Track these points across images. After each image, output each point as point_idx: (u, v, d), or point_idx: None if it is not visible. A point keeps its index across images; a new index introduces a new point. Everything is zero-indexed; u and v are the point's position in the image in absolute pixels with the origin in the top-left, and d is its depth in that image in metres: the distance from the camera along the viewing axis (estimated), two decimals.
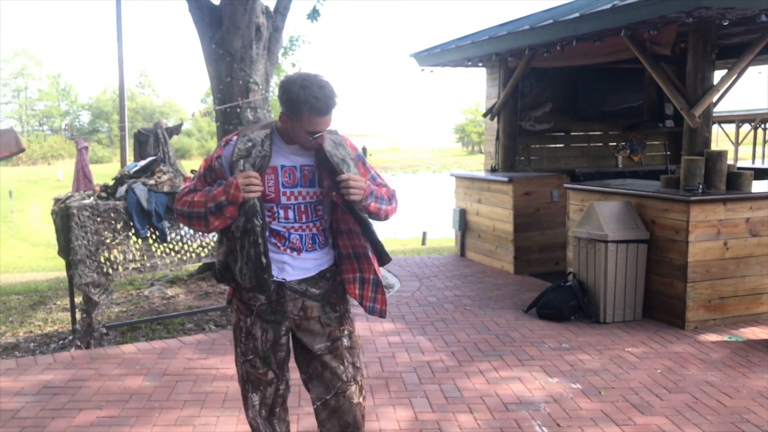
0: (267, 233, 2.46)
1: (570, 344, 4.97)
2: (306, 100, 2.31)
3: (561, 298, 5.63)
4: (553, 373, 4.39)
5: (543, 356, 4.71)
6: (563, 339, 5.09)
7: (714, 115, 6.12)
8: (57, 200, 5.27)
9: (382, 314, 2.60)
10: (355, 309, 6.00)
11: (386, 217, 2.56)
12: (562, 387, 4.15)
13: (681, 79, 5.85)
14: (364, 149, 11.99)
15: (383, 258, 2.55)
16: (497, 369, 4.47)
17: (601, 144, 8.89)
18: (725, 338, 5.08)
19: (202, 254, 5.48)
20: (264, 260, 2.40)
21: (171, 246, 5.30)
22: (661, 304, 5.50)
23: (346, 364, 2.57)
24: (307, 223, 2.50)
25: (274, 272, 2.48)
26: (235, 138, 2.48)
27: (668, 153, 8.73)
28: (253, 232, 2.38)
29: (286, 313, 2.55)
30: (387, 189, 2.59)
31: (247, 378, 2.64)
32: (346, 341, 2.58)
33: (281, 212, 2.47)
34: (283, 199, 2.46)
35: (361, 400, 2.62)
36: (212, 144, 53.33)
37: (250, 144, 2.43)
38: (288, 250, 2.50)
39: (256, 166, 2.39)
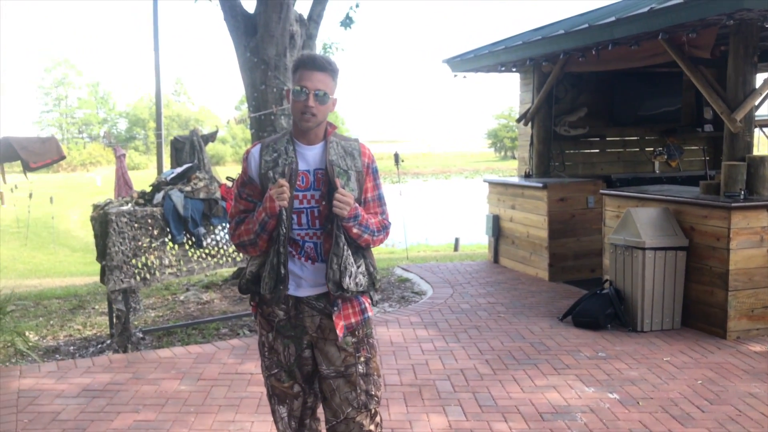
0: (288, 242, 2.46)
1: (607, 353, 4.88)
2: (297, 57, 2.44)
3: (597, 305, 5.54)
4: (589, 382, 4.32)
5: (579, 365, 4.63)
6: (599, 347, 5.01)
7: (755, 118, 5.97)
8: (96, 206, 5.37)
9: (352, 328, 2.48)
10: (385, 315, 5.97)
11: (366, 246, 2.48)
12: (598, 396, 4.08)
13: (721, 83, 5.72)
14: (396, 155, 11.99)
15: (330, 285, 2.39)
16: (532, 377, 4.41)
17: (637, 149, 8.74)
18: None
19: (238, 258, 5.54)
20: (282, 271, 2.40)
21: (207, 251, 5.37)
22: (701, 313, 5.37)
23: (359, 391, 2.48)
24: (321, 230, 2.42)
25: (291, 286, 2.46)
26: (254, 150, 2.49)
27: (707, 158, 8.54)
28: (277, 240, 2.39)
29: (305, 328, 2.49)
30: (380, 219, 2.51)
31: (273, 392, 2.58)
32: (361, 368, 2.48)
33: (294, 217, 2.42)
34: (296, 203, 2.41)
35: (372, 427, 2.52)
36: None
37: (275, 154, 2.45)
38: (302, 259, 2.45)
39: (286, 174, 2.40)
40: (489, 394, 4.12)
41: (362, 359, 2.49)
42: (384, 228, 2.52)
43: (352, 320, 2.47)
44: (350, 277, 2.40)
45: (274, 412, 2.62)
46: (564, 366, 4.62)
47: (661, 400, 4.02)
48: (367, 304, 2.52)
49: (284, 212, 2.38)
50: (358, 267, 2.46)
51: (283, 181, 2.34)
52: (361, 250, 2.49)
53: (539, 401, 4.02)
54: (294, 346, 2.51)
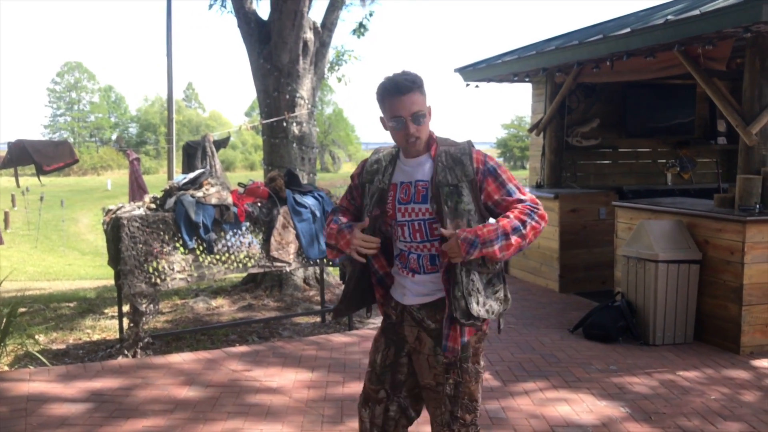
0: (395, 254, 2.50)
1: (618, 366, 4.84)
2: (379, 87, 2.35)
3: (609, 318, 5.50)
4: (601, 395, 4.27)
5: (590, 378, 4.59)
6: (611, 361, 4.96)
7: None
8: (108, 211, 5.39)
9: (452, 352, 2.36)
10: None
11: (520, 250, 2.32)
12: (610, 410, 4.04)
13: (736, 96, 5.69)
14: None
15: (458, 315, 2.30)
16: (543, 390, 4.37)
17: (649, 161, 8.69)
18: None
19: (249, 264, 5.52)
20: (345, 291, 2.55)
21: (218, 257, 5.36)
22: (714, 328, 5.31)
23: (443, 410, 2.42)
24: (423, 243, 2.39)
25: (398, 294, 2.48)
26: (368, 159, 2.55)
27: (720, 171, 8.48)
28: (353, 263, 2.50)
29: (405, 337, 2.48)
30: (519, 209, 2.32)
31: (363, 389, 2.59)
32: (449, 389, 2.40)
33: (399, 230, 2.43)
34: (399, 216, 2.41)
35: None
36: (256, 157, 54.12)
37: (375, 167, 2.48)
38: (405, 272, 2.44)
39: (374, 198, 2.42)
40: (500, 407, 4.08)
41: (451, 381, 2.40)
42: (532, 212, 2.32)
43: (453, 343, 2.36)
44: (478, 303, 2.30)
45: (359, 412, 2.60)
46: (575, 379, 4.58)
47: (673, 415, 3.97)
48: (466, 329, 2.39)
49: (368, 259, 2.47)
50: (496, 292, 2.39)
51: (373, 240, 2.38)
52: (501, 274, 2.42)
53: (551, 414, 3.98)
54: (395, 349, 2.51)
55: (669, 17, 5.39)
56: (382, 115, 2.41)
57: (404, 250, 2.45)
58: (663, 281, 5.28)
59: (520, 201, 2.37)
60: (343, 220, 2.50)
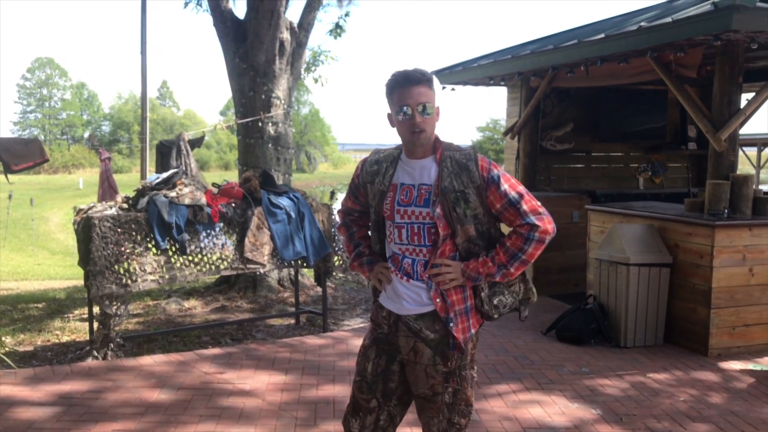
0: (387, 255, 2.49)
1: (590, 368, 4.89)
2: (389, 79, 2.37)
3: (581, 320, 5.55)
4: (573, 397, 4.31)
5: (563, 380, 4.63)
6: (583, 363, 5.01)
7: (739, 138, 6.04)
8: (79, 210, 5.30)
9: (459, 348, 2.38)
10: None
11: (523, 267, 2.38)
12: (582, 412, 4.08)
13: (706, 102, 5.79)
14: (332, 192, 11.83)
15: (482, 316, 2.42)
16: (516, 392, 4.40)
17: (622, 165, 8.81)
18: (750, 367, 4.97)
19: (222, 266, 5.47)
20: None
21: (190, 258, 5.31)
22: (684, 330, 5.40)
23: (441, 418, 2.42)
24: (420, 247, 2.37)
25: (388, 304, 2.46)
26: (366, 159, 2.53)
27: (690, 176, 8.63)
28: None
29: (399, 348, 2.44)
30: (514, 241, 2.33)
31: (352, 399, 2.55)
32: (447, 397, 2.40)
33: (396, 232, 2.41)
34: (397, 218, 2.38)
35: None
36: (231, 157, 53.69)
37: (374, 168, 2.47)
38: (399, 275, 2.42)
39: (376, 199, 2.43)
40: (473, 409, 4.09)
41: (450, 389, 2.40)
42: (529, 238, 2.32)
43: (462, 336, 2.38)
44: (484, 303, 2.39)
45: (345, 421, 2.55)
46: (548, 381, 4.62)
47: (643, 416, 4.03)
48: (471, 323, 2.41)
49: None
50: (510, 286, 2.44)
51: (386, 273, 2.44)
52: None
53: (523, 416, 4.01)
54: (386, 359, 2.47)
55: (642, 24, 5.47)
56: (389, 111, 2.40)
57: (398, 253, 2.42)
58: (634, 284, 5.35)
59: (522, 216, 2.34)
60: (362, 248, 2.61)
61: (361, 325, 6.21)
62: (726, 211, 5.29)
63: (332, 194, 10.28)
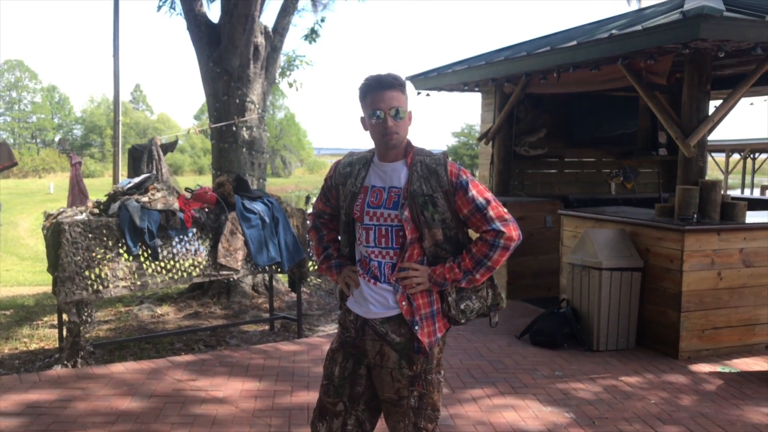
0: (356, 258, 2.49)
1: (563, 372, 4.93)
2: (362, 84, 2.40)
3: (554, 325, 5.60)
4: (546, 401, 4.34)
5: (536, 384, 4.66)
6: (556, 366, 5.06)
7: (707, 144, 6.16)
8: (48, 215, 5.21)
9: (424, 353, 2.39)
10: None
11: (492, 271, 2.42)
12: (555, 416, 4.11)
13: (675, 108, 5.89)
14: (307, 197, 11.80)
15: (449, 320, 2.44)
16: (490, 397, 4.42)
17: (594, 170, 8.92)
18: (718, 369, 5.06)
19: (194, 273, 5.42)
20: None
21: (162, 264, 5.24)
22: (655, 333, 5.48)
23: (407, 422, 2.42)
24: (387, 249, 2.39)
25: (355, 308, 2.47)
26: (340, 162, 2.54)
27: (661, 181, 8.77)
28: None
29: (366, 351, 2.45)
30: (480, 248, 2.36)
31: (318, 402, 2.54)
32: (413, 402, 2.40)
33: (364, 234, 2.42)
34: (366, 219, 2.41)
35: None
36: (205, 161, 53.23)
37: (347, 170, 2.49)
38: (367, 278, 2.43)
39: (347, 201, 2.44)
40: (447, 414, 4.10)
41: (415, 393, 2.40)
42: (494, 245, 2.36)
43: (427, 339, 2.38)
44: (451, 308, 2.40)
45: (312, 427, 2.54)
46: (522, 385, 4.64)
47: (615, 420, 4.07)
48: (438, 327, 2.41)
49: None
50: (478, 291, 2.46)
51: (354, 276, 2.46)
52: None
53: (498, 421, 4.02)
54: (354, 361, 2.48)
55: (614, 32, 5.55)
56: (362, 115, 2.42)
57: (366, 255, 2.44)
58: (606, 288, 5.42)
59: (488, 222, 2.37)
60: (331, 250, 2.61)
61: (336, 330, 6.19)
62: (695, 216, 5.38)
63: (307, 199, 10.23)
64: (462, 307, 2.43)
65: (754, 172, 26.40)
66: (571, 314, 5.63)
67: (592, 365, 5.10)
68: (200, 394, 4.37)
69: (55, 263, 4.94)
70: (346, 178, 2.48)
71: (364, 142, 2.44)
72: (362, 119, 2.44)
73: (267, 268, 5.82)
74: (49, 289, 8.86)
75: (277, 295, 7.45)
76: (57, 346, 5.45)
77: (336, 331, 2.69)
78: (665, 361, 5.20)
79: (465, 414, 4.11)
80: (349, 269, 2.51)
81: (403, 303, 2.38)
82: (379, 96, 2.34)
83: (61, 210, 5.27)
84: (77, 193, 8.01)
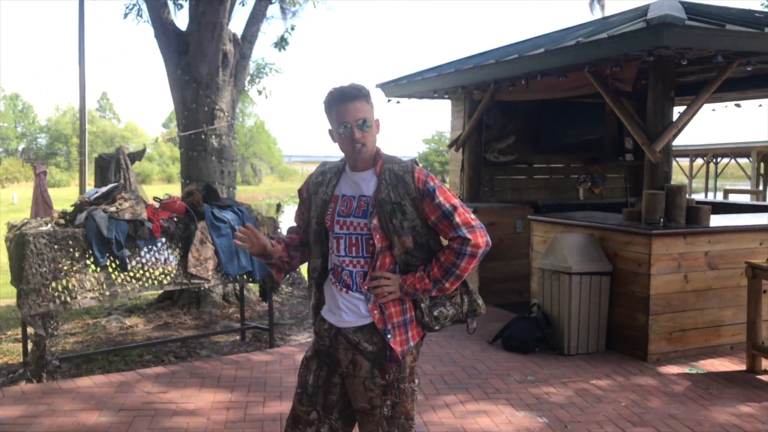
0: (329, 268, 2.48)
1: (535, 377, 4.97)
2: (326, 97, 2.41)
3: (526, 329, 5.64)
4: (519, 406, 4.37)
5: (509, 389, 4.69)
6: (528, 371, 5.09)
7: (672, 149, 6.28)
8: (12, 227, 5.09)
9: (396, 361, 2.39)
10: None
11: (462, 278, 2.42)
12: (528, 421, 4.13)
13: (641, 114, 6.00)
14: (278, 205, 11.74)
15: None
16: (464, 403, 4.43)
17: (563, 176, 9.04)
18: (686, 370, 5.15)
19: (165, 281, 5.34)
20: (313, 300, 2.56)
21: (132, 273, 5.15)
22: (624, 336, 5.55)
23: (381, 431, 2.41)
24: (357, 258, 2.40)
25: (329, 316, 2.46)
26: (313, 172, 2.55)
27: (628, 186, 8.92)
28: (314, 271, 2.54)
29: (339, 361, 2.44)
30: (447, 256, 2.36)
31: (291, 411, 2.52)
32: (386, 411, 2.39)
33: (335, 243, 2.43)
34: (336, 228, 2.41)
35: None
36: (173, 169, 52.61)
37: (320, 179, 2.51)
38: (339, 287, 2.43)
39: (318, 210, 2.45)
40: (421, 420, 4.10)
41: (388, 402, 2.40)
42: (461, 252, 2.35)
43: (400, 348, 2.38)
44: (424, 314, 2.41)
45: None
46: (494, 390, 4.67)
47: (587, 423, 4.11)
48: (411, 335, 2.42)
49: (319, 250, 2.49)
50: (452, 297, 2.46)
51: (246, 230, 2.49)
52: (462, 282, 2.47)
53: (471, 427, 4.03)
54: (327, 371, 2.47)
55: (580, 39, 5.64)
56: (330, 128, 2.43)
57: (338, 264, 2.44)
58: (576, 293, 5.48)
59: (455, 228, 2.36)
60: (287, 239, 2.63)
61: (308, 339, 6.15)
62: (662, 220, 5.48)
63: (278, 207, 10.15)
64: (435, 313, 2.43)
65: (716, 176, 27.00)
66: (542, 319, 5.68)
67: (564, 369, 5.15)
68: (171, 406, 4.30)
69: (19, 276, 4.82)
70: (318, 187, 2.50)
71: (334, 149, 2.42)
72: (330, 131, 2.45)
73: (238, 277, 5.76)
74: (12, 302, 8.65)
75: (248, 304, 7.38)
76: (21, 360, 5.32)
77: (309, 340, 2.68)
78: (635, 364, 5.27)
79: (438, 421, 4.11)
80: (251, 225, 2.56)
81: (375, 312, 2.37)
82: (344, 108, 2.35)
83: (25, 221, 5.15)
84: (41, 204, 7.85)
